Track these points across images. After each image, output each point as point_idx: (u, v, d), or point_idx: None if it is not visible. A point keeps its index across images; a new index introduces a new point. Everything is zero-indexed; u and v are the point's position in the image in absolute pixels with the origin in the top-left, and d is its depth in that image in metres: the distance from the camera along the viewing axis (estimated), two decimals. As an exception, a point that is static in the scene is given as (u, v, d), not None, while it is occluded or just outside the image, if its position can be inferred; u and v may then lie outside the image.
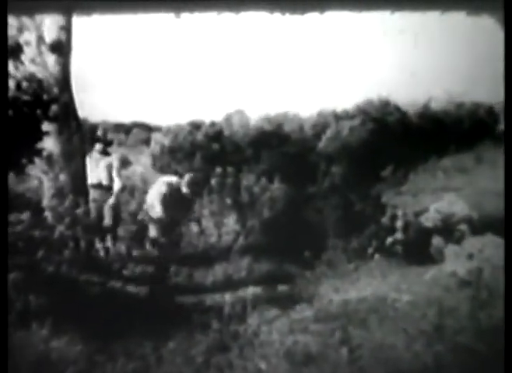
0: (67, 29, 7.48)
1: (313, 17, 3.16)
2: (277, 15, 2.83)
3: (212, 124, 14.25)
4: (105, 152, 8.02)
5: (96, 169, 7.85)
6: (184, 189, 7.79)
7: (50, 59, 7.46)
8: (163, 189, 7.73)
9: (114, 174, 7.86)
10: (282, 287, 7.19)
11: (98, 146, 7.97)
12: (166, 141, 13.24)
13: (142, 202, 8.23)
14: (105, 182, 7.84)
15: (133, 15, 2.81)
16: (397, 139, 13.78)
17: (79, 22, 7.39)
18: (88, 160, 7.84)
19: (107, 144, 8.08)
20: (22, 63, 6.76)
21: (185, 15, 2.83)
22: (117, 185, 7.85)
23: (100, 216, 7.77)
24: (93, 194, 7.79)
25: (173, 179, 7.98)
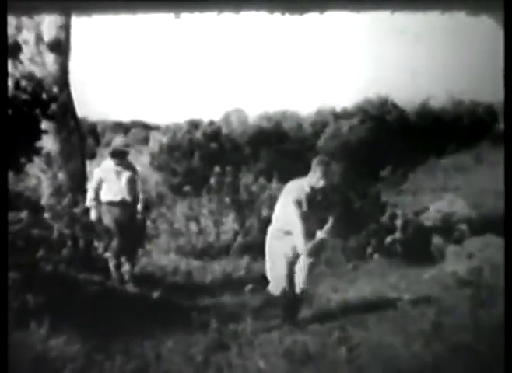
0: (66, 28, 7.48)
1: (313, 17, 3.13)
2: (277, 15, 2.83)
3: (211, 123, 14.27)
4: (126, 164, 6.93)
5: (118, 183, 6.71)
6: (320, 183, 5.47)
7: (49, 58, 7.46)
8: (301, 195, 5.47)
9: (138, 189, 6.89)
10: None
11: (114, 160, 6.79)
12: (165, 140, 13.26)
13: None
14: (128, 198, 6.76)
15: (133, 15, 2.81)
16: (396, 138, 13.80)
17: (79, 22, 7.35)
18: (106, 171, 6.76)
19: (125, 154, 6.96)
20: (21, 62, 6.77)
21: (185, 15, 2.83)
22: (141, 201, 6.89)
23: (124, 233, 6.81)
24: (115, 212, 6.72)
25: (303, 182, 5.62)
